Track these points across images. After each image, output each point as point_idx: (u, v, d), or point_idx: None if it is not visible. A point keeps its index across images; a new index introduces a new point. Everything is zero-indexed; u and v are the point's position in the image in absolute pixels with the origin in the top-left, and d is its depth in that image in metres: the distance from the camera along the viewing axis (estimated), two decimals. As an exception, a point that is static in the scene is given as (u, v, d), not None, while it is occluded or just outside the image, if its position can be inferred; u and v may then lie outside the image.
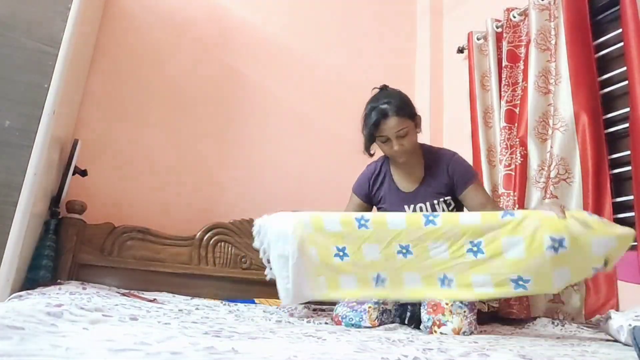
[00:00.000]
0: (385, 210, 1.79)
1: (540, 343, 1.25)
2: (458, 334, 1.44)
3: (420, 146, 1.78)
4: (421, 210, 1.73)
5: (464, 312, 1.49)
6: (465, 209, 1.73)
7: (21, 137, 1.46)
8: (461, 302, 1.50)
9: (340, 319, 1.63)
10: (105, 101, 2.29)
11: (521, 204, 2.14)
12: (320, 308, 1.91)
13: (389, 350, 0.81)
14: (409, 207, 1.74)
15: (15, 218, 1.41)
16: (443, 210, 1.71)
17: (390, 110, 1.62)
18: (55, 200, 1.85)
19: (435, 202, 1.72)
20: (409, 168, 1.76)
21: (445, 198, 1.73)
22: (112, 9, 2.38)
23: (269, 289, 2.22)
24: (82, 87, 2.19)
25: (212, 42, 2.59)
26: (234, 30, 2.66)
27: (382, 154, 1.80)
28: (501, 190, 2.27)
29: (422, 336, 1.20)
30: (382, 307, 1.64)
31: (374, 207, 1.87)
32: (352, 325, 1.62)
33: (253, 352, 0.65)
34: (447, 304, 1.52)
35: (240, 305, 1.77)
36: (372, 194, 1.84)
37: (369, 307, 1.63)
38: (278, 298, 2.13)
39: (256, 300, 2.02)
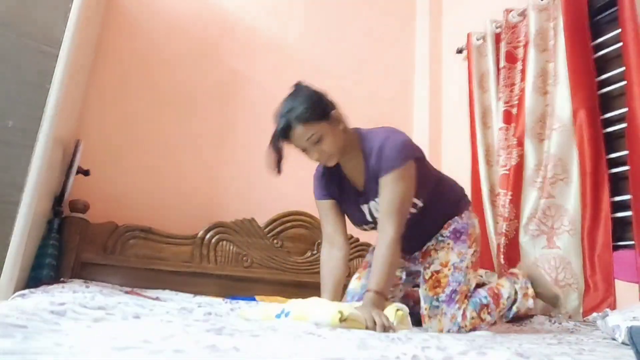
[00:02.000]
0: (345, 211, 1.65)
1: (538, 341, 1.26)
2: (442, 331, 1.47)
3: (357, 137, 1.53)
4: (372, 211, 1.55)
5: (441, 311, 1.50)
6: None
7: (24, 137, 1.47)
8: (437, 301, 1.52)
9: None
10: (107, 101, 2.30)
11: (517, 203, 2.15)
12: None
13: (388, 347, 0.82)
14: (364, 206, 1.57)
15: (18, 217, 1.42)
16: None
17: (292, 120, 1.42)
18: (58, 199, 1.87)
19: (372, 201, 1.52)
20: (350, 164, 1.54)
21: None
22: (113, 10, 2.39)
23: (269, 287, 2.25)
24: (84, 87, 2.20)
25: (213, 42, 2.60)
26: (234, 31, 2.67)
27: None
28: (497, 190, 2.29)
29: (421, 334, 1.21)
30: None
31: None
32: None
33: (255, 350, 0.66)
34: (426, 309, 1.55)
35: (242, 303, 1.78)
36: (333, 192, 1.63)
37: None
38: (279, 295, 2.16)
39: (257, 297, 2.03)
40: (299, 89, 1.53)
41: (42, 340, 0.61)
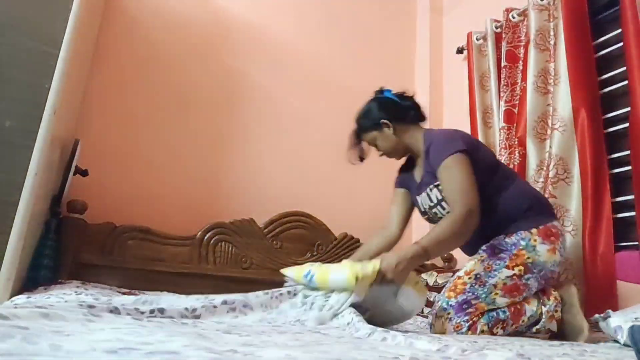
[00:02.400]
0: (414, 201, 1.79)
1: (540, 342, 1.25)
2: (442, 334, 1.41)
3: (422, 137, 1.68)
4: (424, 201, 1.67)
5: (448, 314, 1.45)
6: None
7: (22, 137, 1.47)
8: (447, 304, 1.47)
9: None
10: (106, 101, 2.29)
11: None
12: None
13: (386, 349, 0.81)
14: (418, 198, 1.73)
15: (16, 218, 1.41)
16: (437, 198, 1.60)
17: (358, 131, 1.80)
18: (56, 200, 1.86)
19: (428, 189, 1.64)
20: (419, 160, 1.75)
21: (436, 183, 1.59)
22: (112, 9, 2.39)
23: (269, 288, 2.23)
24: (83, 87, 2.20)
25: (213, 42, 2.59)
26: (234, 31, 2.66)
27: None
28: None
29: (421, 336, 1.20)
30: None
31: None
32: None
33: (251, 352, 0.65)
34: (437, 307, 1.50)
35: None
36: (404, 183, 1.85)
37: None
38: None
39: (256, 299, 2.02)
40: (372, 98, 1.81)
41: (41, 342, 0.60)
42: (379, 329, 1.08)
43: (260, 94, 2.66)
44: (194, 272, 2.12)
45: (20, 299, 1.36)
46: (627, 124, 1.85)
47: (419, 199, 1.72)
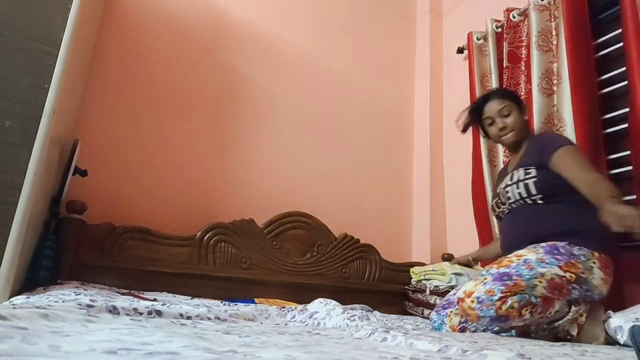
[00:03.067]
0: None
1: (540, 343, 1.25)
2: (469, 296, 1.42)
3: (528, 133, 1.86)
4: (505, 180, 1.79)
5: (484, 279, 1.44)
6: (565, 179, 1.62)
7: (21, 137, 1.46)
8: (486, 271, 1.47)
9: (430, 319, 1.76)
10: (105, 101, 2.29)
11: None
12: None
13: (386, 350, 0.81)
14: (502, 182, 1.82)
15: (15, 218, 1.41)
16: (519, 177, 1.70)
17: (492, 94, 1.89)
18: (56, 200, 1.85)
19: (516, 170, 1.74)
20: (515, 150, 1.86)
21: (528, 167, 1.70)
22: (112, 9, 2.38)
23: (269, 289, 2.23)
24: (82, 87, 2.19)
25: (212, 42, 2.59)
26: (234, 31, 2.66)
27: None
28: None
29: (422, 336, 1.20)
30: None
31: None
32: (435, 328, 1.69)
33: (250, 353, 0.65)
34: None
35: (240, 305, 1.77)
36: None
37: (451, 312, 1.67)
38: (278, 297, 2.15)
39: (256, 300, 2.02)
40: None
41: (40, 343, 0.60)
42: (380, 329, 1.08)
43: (260, 94, 2.65)
44: (194, 272, 2.11)
45: (19, 299, 1.35)
46: (626, 125, 1.85)
47: (501, 184, 1.81)
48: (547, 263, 1.48)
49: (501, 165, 2.32)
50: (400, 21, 3.23)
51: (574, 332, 1.52)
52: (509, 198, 1.72)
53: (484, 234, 2.42)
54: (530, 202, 1.66)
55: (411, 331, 1.44)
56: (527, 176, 1.67)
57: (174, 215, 2.28)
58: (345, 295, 2.35)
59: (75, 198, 1.97)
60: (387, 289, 2.54)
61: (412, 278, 2.53)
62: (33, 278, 1.68)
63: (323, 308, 1.61)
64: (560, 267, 1.47)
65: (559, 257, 1.50)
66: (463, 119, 1.97)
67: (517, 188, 1.68)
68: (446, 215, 2.83)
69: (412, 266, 2.58)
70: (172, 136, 2.39)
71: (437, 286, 2.29)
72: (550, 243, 1.55)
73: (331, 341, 0.91)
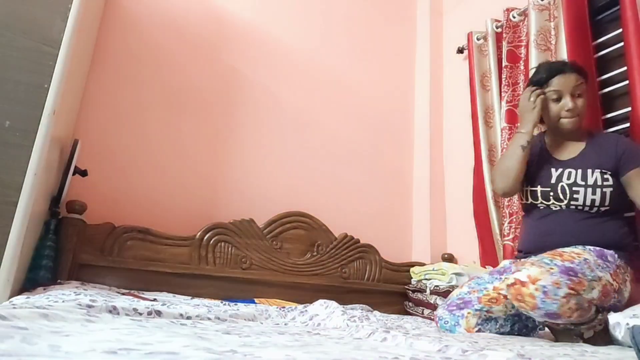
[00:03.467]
0: (531, 173, 1.70)
1: (541, 343, 1.25)
2: (534, 283, 1.31)
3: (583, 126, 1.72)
4: (569, 175, 1.61)
5: (550, 269, 1.33)
6: (629, 193, 1.57)
7: (21, 137, 1.46)
8: (550, 260, 1.36)
9: (437, 319, 1.66)
10: (105, 101, 2.29)
11: None
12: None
13: (386, 350, 0.81)
14: (556, 170, 1.65)
15: (15, 218, 1.41)
16: (596, 181, 1.56)
17: (568, 66, 1.66)
18: (56, 200, 1.85)
19: (590, 170, 1.58)
20: (569, 139, 1.70)
21: (604, 170, 1.58)
22: (112, 9, 2.38)
23: (269, 289, 2.23)
24: (82, 87, 2.19)
25: (212, 42, 2.59)
26: (233, 31, 2.66)
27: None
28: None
29: (422, 336, 1.20)
30: (486, 315, 1.59)
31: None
32: (446, 329, 1.61)
33: (250, 353, 0.65)
34: (530, 261, 1.39)
35: (240, 305, 1.77)
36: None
37: (468, 313, 1.60)
38: (278, 297, 2.15)
39: (256, 300, 2.02)
40: None
41: (40, 343, 0.60)
42: (380, 329, 1.08)
43: (260, 94, 2.65)
44: (194, 272, 2.11)
45: (19, 299, 1.35)
46: (627, 124, 1.85)
47: (555, 170, 1.65)
48: (603, 268, 1.43)
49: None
50: (400, 21, 3.23)
51: (588, 336, 1.47)
52: (575, 199, 1.59)
53: (484, 234, 2.41)
54: (593, 210, 1.58)
55: (411, 331, 1.44)
56: (606, 183, 1.57)
57: (174, 215, 2.28)
58: (345, 295, 2.35)
59: (75, 198, 1.97)
60: (387, 289, 2.54)
61: (412, 278, 2.53)
62: (33, 278, 1.68)
63: (324, 311, 1.60)
64: (611, 274, 1.44)
65: (608, 264, 1.47)
66: (530, 91, 1.71)
67: (593, 194, 1.56)
68: (446, 215, 2.83)
69: (412, 266, 2.58)
70: (172, 136, 2.39)
71: (437, 286, 2.28)
72: (597, 248, 1.51)
73: (331, 341, 0.91)
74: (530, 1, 2.25)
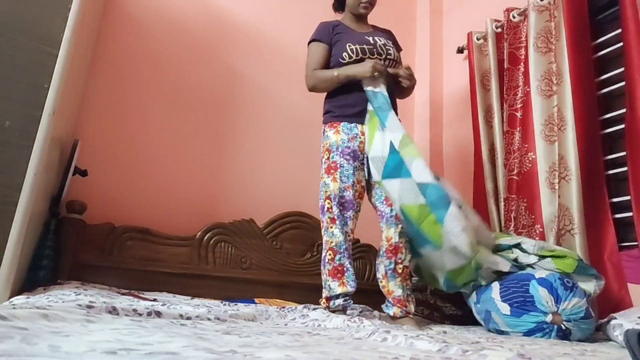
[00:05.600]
0: (341, 42, 2.04)
1: (541, 342, 1.25)
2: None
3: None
4: (379, 39, 2.03)
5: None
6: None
7: (21, 138, 1.46)
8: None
9: None
10: (105, 101, 2.29)
11: (532, 208, 2.07)
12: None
13: (386, 350, 0.81)
14: (368, 37, 2.01)
15: (15, 218, 1.41)
16: (393, 44, 2.10)
17: None
18: (56, 200, 1.85)
19: (387, 42, 2.03)
20: (363, 22, 2.15)
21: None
22: (112, 9, 2.38)
23: (268, 289, 2.23)
24: (82, 87, 2.19)
25: (212, 42, 2.59)
26: (233, 31, 2.66)
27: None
28: (504, 194, 2.26)
29: (422, 336, 1.20)
30: None
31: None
32: None
33: (250, 353, 0.65)
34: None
35: (240, 305, 1.77)
36: (332, 37, 2.11)
37: None
38: (278, 297, 2.15)
39: (256, 300, 2.02)
40: None
41: (40, 343, 0.60)
42: (380, 329, 1.08)
43: (260, 94, 2.65)
44: (194, 272, 2.11)
45: (19, 299, 1.35)
46: (622, 126, 1.85)
47: (368, 37, 2.06)
48: None
49: (502, 165, 2.31)
50: (400, 21, 3.22)
51: None
52: (389, 54, 2.02)
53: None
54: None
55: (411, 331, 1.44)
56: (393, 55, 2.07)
57: (174, 215, 2.28)
58: (345, 295, 2.35)
59: (75, 198, 1.97)
60: (387, 289, 2.53)
61: (412, 277, 2.53)
62: (33, 278, 1.68)
63: (323, 315, 1.60)
64: None
65: None
66: None
67: (397, 52, 2.10)
68: (446, 215, 2.83)
69: (412, 266, 2.57)
70: (172, 136, 2.39)
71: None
72: None
73: (331, 341, 0.91)
74: (530, 1, 2.25)
